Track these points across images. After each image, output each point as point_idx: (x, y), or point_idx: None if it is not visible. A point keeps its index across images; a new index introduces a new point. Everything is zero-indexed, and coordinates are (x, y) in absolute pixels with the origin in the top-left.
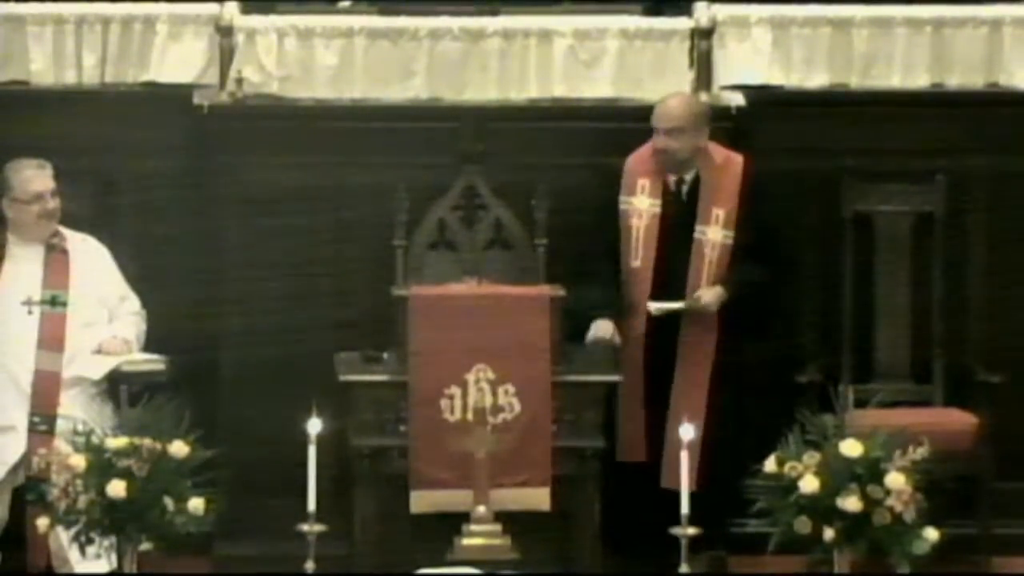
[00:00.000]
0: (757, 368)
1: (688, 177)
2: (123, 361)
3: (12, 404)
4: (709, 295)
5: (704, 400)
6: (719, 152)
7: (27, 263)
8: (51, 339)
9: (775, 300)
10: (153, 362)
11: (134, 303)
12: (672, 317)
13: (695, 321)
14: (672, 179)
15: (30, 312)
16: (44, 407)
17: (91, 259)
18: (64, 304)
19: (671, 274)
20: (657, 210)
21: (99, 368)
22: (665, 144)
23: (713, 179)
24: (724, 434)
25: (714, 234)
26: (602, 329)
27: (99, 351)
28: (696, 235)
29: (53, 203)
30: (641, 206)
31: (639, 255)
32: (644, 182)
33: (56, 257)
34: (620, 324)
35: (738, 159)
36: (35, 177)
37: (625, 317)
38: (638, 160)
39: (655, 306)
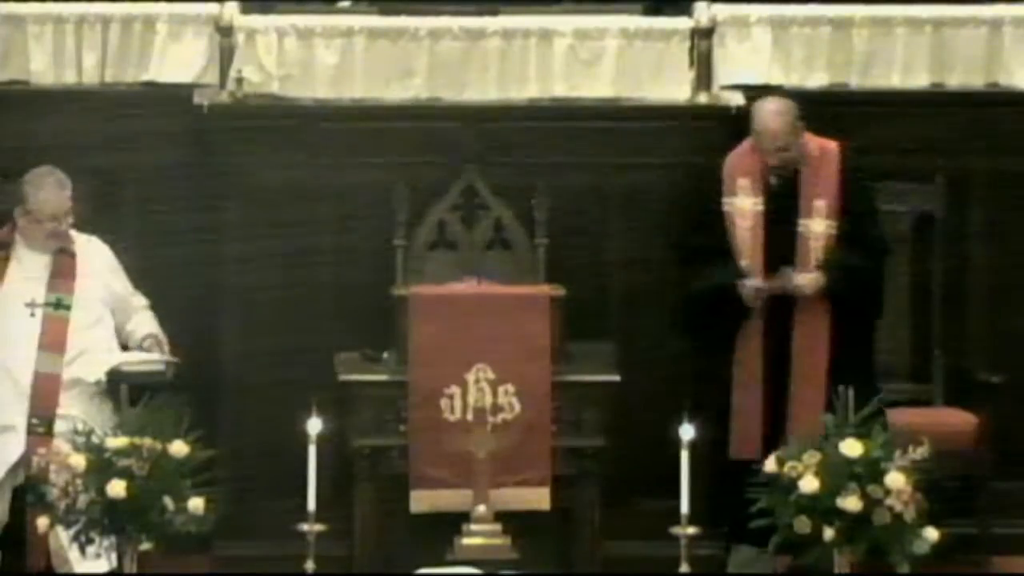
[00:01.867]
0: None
1: (785, 173)
2: (121, 362)
3: (11, 404)
4: (803, 278)
5: (823, 392)
6: (814, 143)
7: (33, 265)
8: (52, 341)
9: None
10: (152, 362)
11: (143, 300)
12: (786, 312)
13: (807, 314)
14: (772, 176)
15: (32, 314)
16: (43, 409)
17: (97, 260)
18: (68, 307)
19: (778, 270)
20: (760, 208)
21: (96, 370)
22: (779, 159)
23: (812, 172)
24: None
25: (817, 226)
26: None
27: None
28: (799, 229)
29: (67, 223)
30: (744, 206)
31: (746, 254)
32: (744, 182)
33: (63, 260)
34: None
35: (834, 148)
36: (54, 199)
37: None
38: (737, 160)
39: (750, 284)
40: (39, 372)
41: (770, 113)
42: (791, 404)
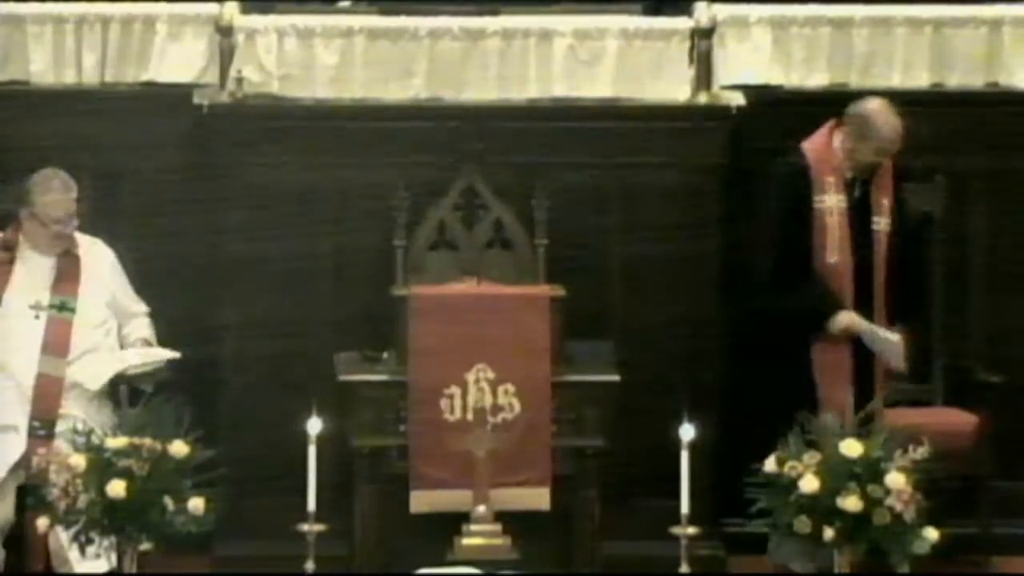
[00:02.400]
0: None
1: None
2: (124, 368)
3: (13, 404)
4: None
5: None
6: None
7: (38, 267)
8: (56, 344)
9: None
10: (153, 362)
11: (143, 306)
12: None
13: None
14: (849, 175)
15: (36, 316)
16: (45, 411)
17: (101, 263)
18: (72, 310)
19: (859, 267)
20: (844, 205)
21: (96, 378)
22: (888, 161)
23: (880, 167)
24: None
25: (884, 224)
26: (842, 322)
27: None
28: (874, 227)
29: (71, 227)
30: (831, 203)
31: (835, 251)
32: (830, 180)
33: (67, 262)
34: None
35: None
36: (59, 203)
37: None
38: (820, 158)
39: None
40: (41, 374)
41: (894, 117)
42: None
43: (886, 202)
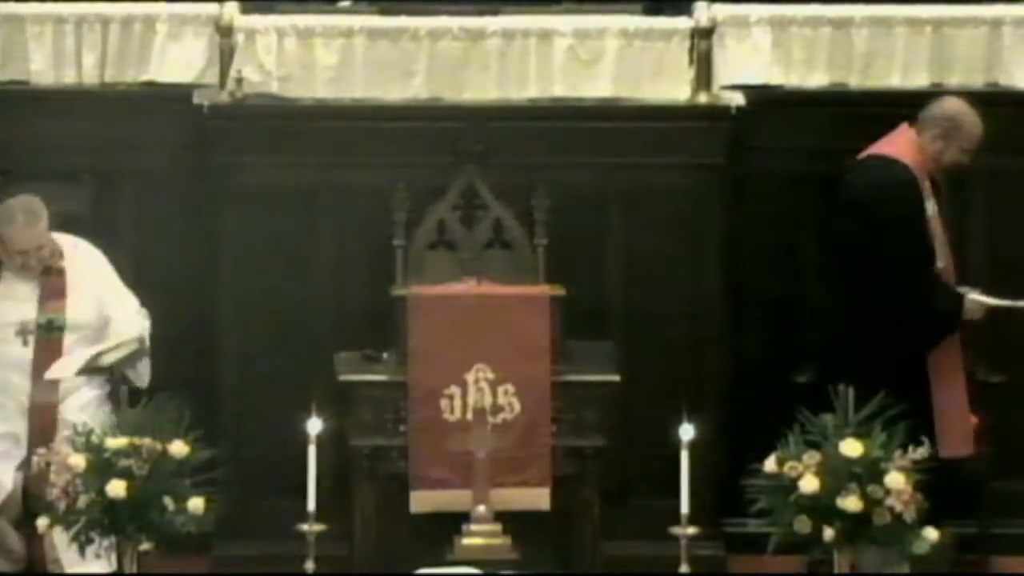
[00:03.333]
0: None
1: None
2: (93, 355)
3: (13, 416)
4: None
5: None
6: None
7: (21, 287)
8: (47, 369)
9: None
10: (126, 344)
11: (133, 301)
12: None
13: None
14: (936, 177)
15: (25, 343)
16: (42, 440)
17: (84, 268)
18: (60, 328)
19: (956, 269)
20: (935, 209)
21: (66, 368)
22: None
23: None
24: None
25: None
26: (974, 310)
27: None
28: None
29: (38, 257)
30: (932, 208)
31: (942, 256)
32: (926, 184)
33: (50, 280)
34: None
35: None
36: (24, 235)
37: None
38: (917, 164)
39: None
40: (35, 405)
41: (977, 118)
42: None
43: (943, 202)
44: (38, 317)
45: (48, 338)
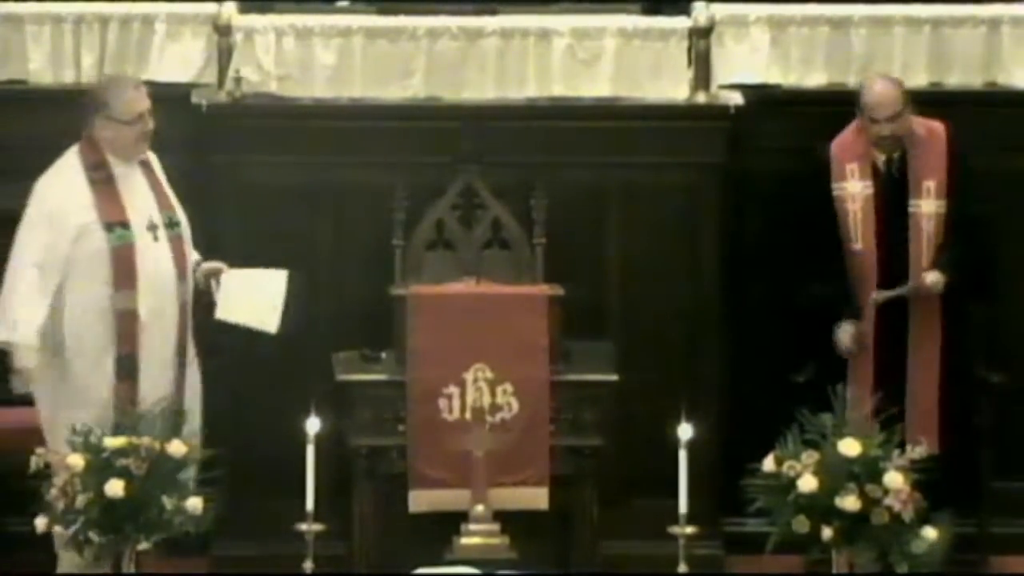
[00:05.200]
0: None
1: (895, 155)
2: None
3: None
4: (932, 276)
5: (937, 377)
6: (920, 125)
7: (134, 183)
8: (182, 268)
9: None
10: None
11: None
12: (898, 302)
13: (921, 303)
14: (881, 159)
15: (156, 239)
16: (184, 342)
17: (161, 170)
18: (178, 225)
19: (892, 252)
20: (870, 191)
21: (273, 317)
22: (890, 131)
23: (920, 153)
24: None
25: (928, 206)
26: (846, 339)
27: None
28: (911, 209)
29: (151, 124)
30: (854, 190)
31: (859, 237)
32: (853, 166)
33: (150, 174)
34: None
35: (940, 128)
36: (137, 98)
37: (854, 305)
38: (843, 146)
39: (879, 295)
40: (182, 302)
41: (879, 82)
42: (908, 398)
43: (931, 184)
44: (161, 215)
45: (174, 234)
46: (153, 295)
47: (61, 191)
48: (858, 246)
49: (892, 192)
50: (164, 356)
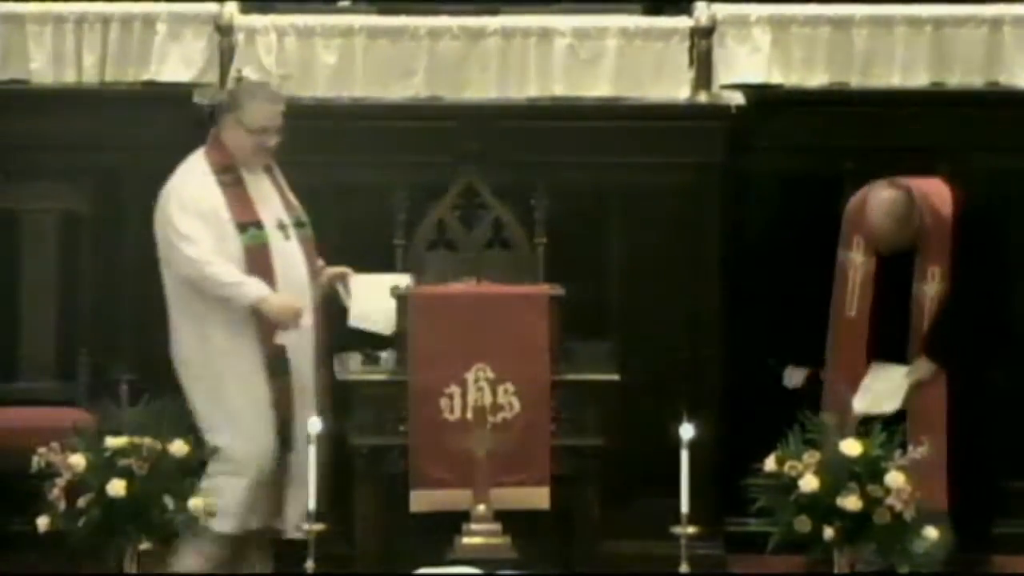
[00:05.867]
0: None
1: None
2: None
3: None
4: (923, 368)
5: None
6: (930, 215)
7: (261, 185)
8: (313, 266)
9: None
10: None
11: None
12: (899, 301)
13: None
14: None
15: (287, 238)
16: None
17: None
18: (305, 224)
19: (885, 326)
20: (872, 267)
21: (388, 321)
22: (890, 251)
23: (926, 240)
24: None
25: (931, 289)
26: (795, 378)
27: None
28: (914, 291)
29: (274, 140)
30: (857, 260)
31: (854, 307)
32: (859, 238)
33: (274, 178)
34: (820, 372)
35: (947, 211)
36: (269, 111)
37: (839, 367)
38: (855, 214)
39: (859, 408)
40: (317, 305)
41: (882, 216)
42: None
43: (936, 270)
44: (288, 215)
45: (302, 234)
46: (289, 293)
47: (197, 190)
48: (852, 314)
49: (893, 270)
50: (307, 355)
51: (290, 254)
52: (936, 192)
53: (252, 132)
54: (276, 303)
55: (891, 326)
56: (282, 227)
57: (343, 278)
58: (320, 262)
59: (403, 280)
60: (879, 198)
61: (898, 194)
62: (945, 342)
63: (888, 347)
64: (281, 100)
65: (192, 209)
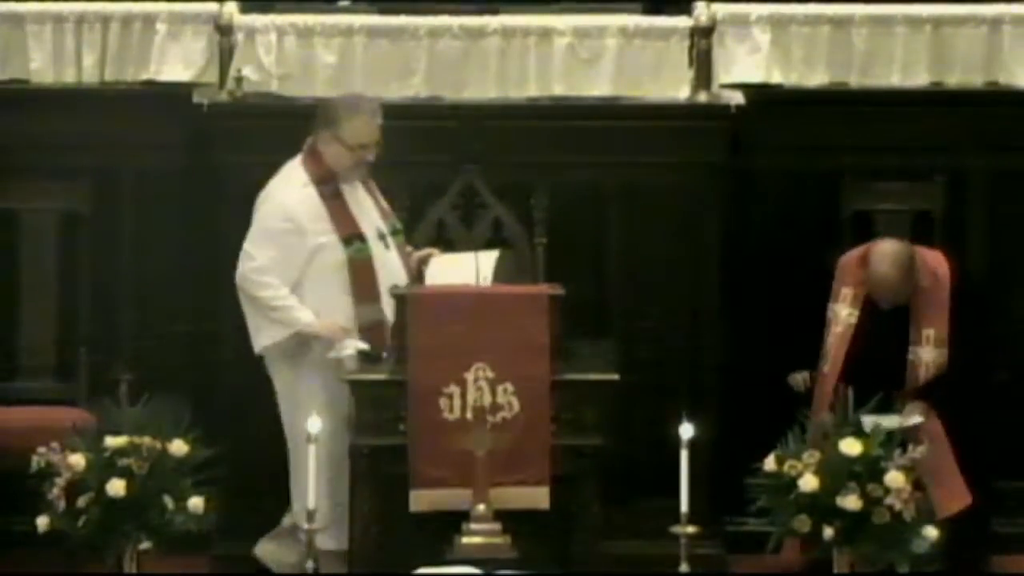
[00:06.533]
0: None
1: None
2: None
3: None
4: (917, 413)
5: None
6: (927, 275)
7: (359, 195)
8: (411, 272)
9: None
10: None
11: None
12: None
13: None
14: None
15: (387, 247)
16: None
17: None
18: (400, 232)
19: (862, 385)
20: (853, 320)
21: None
22: (891, 304)
23: (922, 302)
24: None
25: (927, 354)
26: (797, 381)
27: None
28: (910, 357)
29: (372, 155)
30: (841, 314)
31: (828, 362)
32: (847, 291)
33: (370, 186)
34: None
35: (945, 277)
36: (368, 127)
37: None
38: (848, 267)
39: (868, 421)
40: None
41: (888, 265)
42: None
43: (931, 332)
44: (388, 223)
45: (399, 241)
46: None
47: (296, 205)
48: (825, 370)
49: (880, 329)
50: None
51: (391, 263)
52: (934, 257)
53: (351, 148)
54: (321, 324)
55: (865, 385)
56: (381, 237)
57: (426, 259)
58: (408, 249)
59: (483, 258)
60: (883, 250)
61: (902, 246)
62: (942, 393)
63: (865, 398)
64: (379, 113)
65: (274, 225)
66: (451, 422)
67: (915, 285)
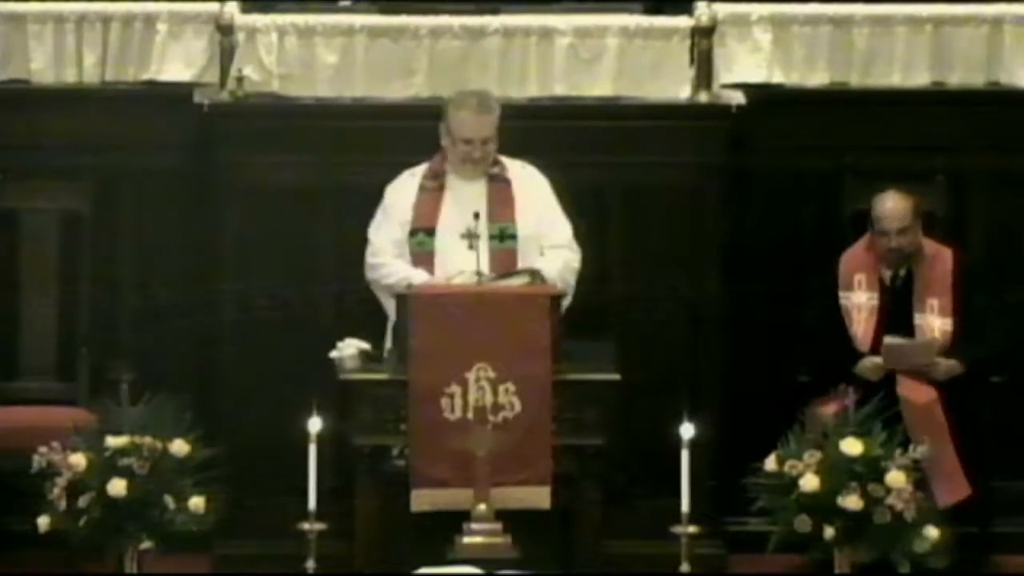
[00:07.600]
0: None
1: (902, 272)
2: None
3: None
4: (945, 365)
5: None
6: (930, 246)
7: (466, 194)
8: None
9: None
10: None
11: (561, 235)
12: (902, 297)
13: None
14: (887, 274)
15: (471, 247)
16: None
17: (531, 183)
18: (513, 237)
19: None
20: (875, 303)
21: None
22: (898, 244)
23: (925, 272)
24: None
25: (932, 321)
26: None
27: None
28: (916, 321)
29: (482, 151)
30: (859, 300)
31: (863, 344)
32: (860, 277)
33: (498, 188)
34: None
35: (947, 252)
36: (468, 123)
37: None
38: (853, 257)
39: (889, 340)
40: None
41: (892, 196)
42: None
43: (935, 302)
44: (489, 226)
45: (501, 247)
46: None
47: (394, 191)
48: (864, 350)
49: (897, 304)
50: None
51: (463, 264)
52: (935, 242)
53: (455, 143)
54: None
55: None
56: (468, 236)
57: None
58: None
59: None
60: (884, 194)
61: (903, 191)
62: (970, 354)
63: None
64: (491, 110)
65: (388, 209)
66: (452, 422)
67: (918, 244)
